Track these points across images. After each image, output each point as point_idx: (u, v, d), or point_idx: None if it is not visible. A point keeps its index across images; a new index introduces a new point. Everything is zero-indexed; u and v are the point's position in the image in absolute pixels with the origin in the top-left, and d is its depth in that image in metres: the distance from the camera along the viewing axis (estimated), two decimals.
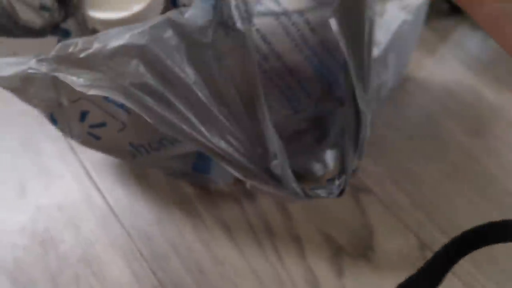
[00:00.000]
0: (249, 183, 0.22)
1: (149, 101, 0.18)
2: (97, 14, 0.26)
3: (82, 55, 0.18)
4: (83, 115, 0.26)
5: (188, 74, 0.19)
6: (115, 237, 0.33)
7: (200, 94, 0.19)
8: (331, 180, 0.24)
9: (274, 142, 0.20)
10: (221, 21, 0.19)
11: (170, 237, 0.33)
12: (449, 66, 0.42)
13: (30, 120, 0.39)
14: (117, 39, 0.18)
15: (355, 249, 0.33)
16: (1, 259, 0.33)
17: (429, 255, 0.31)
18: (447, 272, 0.19)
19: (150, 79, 0.18)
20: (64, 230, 0.34)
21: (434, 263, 0.20)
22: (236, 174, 0.21)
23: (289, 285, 0.31)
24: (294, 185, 0.21)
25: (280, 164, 0.20)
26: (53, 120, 0.28)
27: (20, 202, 0.35)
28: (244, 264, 0.32)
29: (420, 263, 0.21)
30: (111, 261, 0.33)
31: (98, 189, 0.36)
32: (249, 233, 0.33)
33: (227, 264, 0.32)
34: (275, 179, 0.21)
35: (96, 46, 0.18)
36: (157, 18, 0.18)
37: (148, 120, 0.19)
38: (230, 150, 0.20)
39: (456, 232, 0.33)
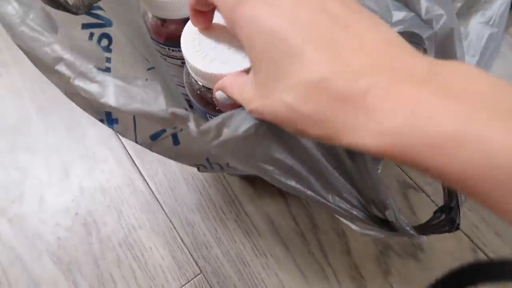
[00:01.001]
0: (360, 232, 0.22)
1: (276, 172, 0.19)
2: None
3: (215, 143, 0.18)
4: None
5: (311, 144, 0.19)
6: (157, 222, 0.33)
7: (322, 161, 0.19)
8: (437, 213, 0.23)
9: (385, 193, 0.20)
10: None
11: (212, 225, 0.33)
12: None
13: (75, 104, 0.39)
14: (246, 123, 0.18)
15: (403, 248, 0.31)
16: (45, 239, 0.33)
17: (481, 257, 0.29)
18: None
19: (279, 154, 0.19)
20: (107, 213, 0.34)
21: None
22: (353, 227, 0.22)
23: (334, 281, 0.30)
24: (408, 228, 0.21)
25: (392, 212, 0.20)
26: (111, 119, 0.26)
27: (63, 183, 0.36)
28: (288, 257, 0.31)
29: None
30: (153, 246, 0.32)
31: (141, 174, 0.35)
32: (292, 226, 0.32)
33: (269, 256, 0.31)
34: (387, 225, 0.21)
35: (226, 132, 0.18)
36: None
37: (273, 183, 0.19)
38: (347, 206, 0.21)
39: (510, 235, 0.31)
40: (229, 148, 0.18)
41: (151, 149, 0.26)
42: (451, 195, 0.21)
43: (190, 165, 0.31)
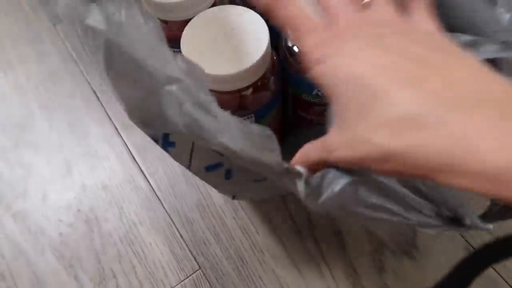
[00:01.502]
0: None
1: (366, 212, 0.19)
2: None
3: (317, 202, 0.18)
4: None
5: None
6: (157, 219, 0.34)
7: (404, 190, 0.20)
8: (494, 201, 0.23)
9: (459, 199, 0.21)
10: None
11: (210, 222, 0.33)
12: None
13: (78, 102, 0.40)
14: (341, 180, 0.18)
15: (398, 246, 0.32)
16: (48, 235, 0.34)
17: None
18: (477, 276, 0.18)
19: (374, 199, 0.19)
20: (108, 210, 0.35)
21: (465, 266, 0.19)
22: (428, 231, 0.23)
23: (329, 278, 0.31)
24: (478, 222, 0.21)
25: (466, 213, 0.21)
26: (168, 142, 0.26)
27: (66, 180, 0.36)
28: (285, 254, 0.32)
29: None
30: (153, 242, 0.33)
31: (142, 172, 0.36)
32: (290, 223, 0.33)
33: (267, 253, 0.32)
34: (458, 222, 0.22)
35: (326, 192, 0.18)
36: None
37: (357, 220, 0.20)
38: (425, 219, 0.21)
39: (503, 234, 0.31)
40: (326, 206, 0.19)
41: (199, 176, 0.26)
42: None
43: (229, 195, 0.32)
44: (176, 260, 0.32)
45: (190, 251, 0.32)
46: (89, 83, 0.41)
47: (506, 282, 0.30)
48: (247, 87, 0.27)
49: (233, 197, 0.31)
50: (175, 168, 0.36)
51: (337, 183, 0.18)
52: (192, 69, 0.18)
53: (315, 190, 0.18)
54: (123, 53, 0.19)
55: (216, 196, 0.34)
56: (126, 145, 0.38)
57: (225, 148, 0.18)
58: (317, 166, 0.17)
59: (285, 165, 0.18)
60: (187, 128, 0.19)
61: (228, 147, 0.18)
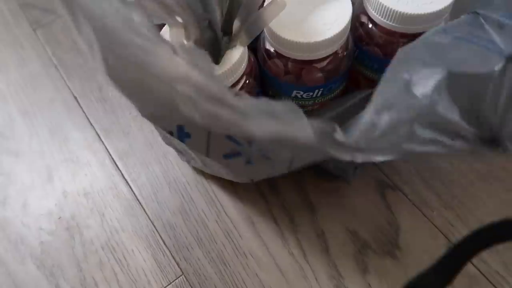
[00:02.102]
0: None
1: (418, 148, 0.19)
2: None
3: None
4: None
5: None
6: (139, 225, 0.34)
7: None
8: None
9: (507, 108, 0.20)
10: None
11: (193, 227, 0.33)
12: None
13: (59, 108, 0.40)
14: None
15: (380, 246, 0.32)
16: (28, 243, 0.34)
17: None
18: (460, 269, 0.19)
19: (427, 134, 0.19)
20: (90, 217, 0.34)
21: (447, 258, 0.19)
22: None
23: (312, 280, 0.31)
24: None
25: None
26: (183, 133, 0.24)
27: (47, 187, 0.36)
28: (268, 257, 0.32)
29: None
30: (135, 249, 0.33)
31: (124, 178, 0.36)
32: (273, 226, 0.33)
33: (250, 256, 0.32)
34: (493, 143, 0.21)
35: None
36: None
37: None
38: (468, 146, 0.21)
39: None
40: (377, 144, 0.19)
41: (221, 163, 0.26)
42: None
43: (246, 181, 0.31)
44: (159, 267, 0.32)
45: (173, 257, 0.32)
46: (69, 88, 0.41)
47: (486, 277, 0.30)
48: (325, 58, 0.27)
49: (252, 181, 0.31)
50: (158, 174, 0.36)
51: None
52: (196, 59, 0.17)
53: (366, 132, 0.18)
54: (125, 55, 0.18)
55: (199, 201, 0.34)
56: (108, 151, 0.37)
57: (251, 135, 0.17)
58: None
59: (320, 123, 0.17)
60: (204, 120, 0.18)
61: (254, 133, 0.17)
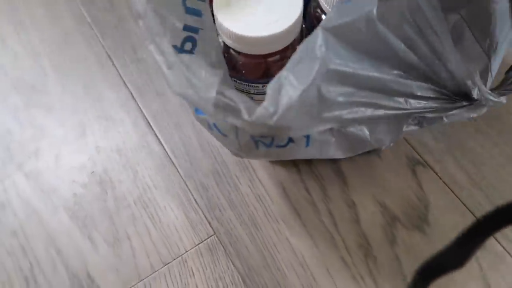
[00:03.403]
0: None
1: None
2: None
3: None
4: None
5: None
6: (171, 184, 0.34)
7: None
8: (510, 73, 0.23)
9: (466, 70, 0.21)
10: None
11: (225, 189, 0.34)
12: None
13: (93, 65, 0.40)
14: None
15: (409, 220, 0.32)
16: (61, 195, 0.34)
17: None
18: (482, 242, 0.19)
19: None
20: (122, 172, 0.35)
21: (472, 231, 0.19)
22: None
23: (342, 249, 0.31)
24: (489, 93, 0.21)
25: (477, 85, 0.21)
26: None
27: (79, 142, 0.36)
28: (299, 224, 0.32)
29: None
30: (167, 206, 0.33)
31: (157, 137, 0.36)
32: (304, 194, 0.33)
33: (281, 222, 0.32)
34: (466, 98, 0.22)
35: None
36: None
37: None
38: (432, 104, 0.21)
39: None
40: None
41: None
42: None
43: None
44: (190, 225, 0.32)
45: (205, 216, 0.33)
46: (103, 47, 0.41)
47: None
48: (274, 54, 0.27)
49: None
50: (191, 135, 0.36)
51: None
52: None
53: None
54: None
55: (232, 165, 0.35)
56: (141, 110, 0.37)
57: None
58: None
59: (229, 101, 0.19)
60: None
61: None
